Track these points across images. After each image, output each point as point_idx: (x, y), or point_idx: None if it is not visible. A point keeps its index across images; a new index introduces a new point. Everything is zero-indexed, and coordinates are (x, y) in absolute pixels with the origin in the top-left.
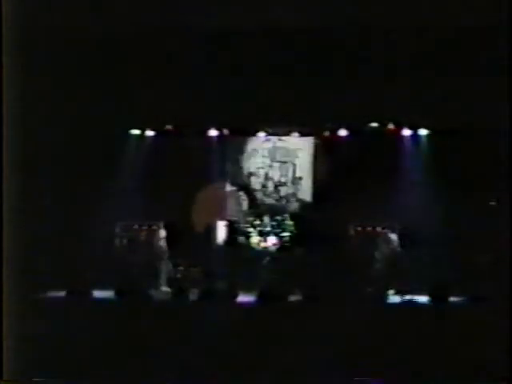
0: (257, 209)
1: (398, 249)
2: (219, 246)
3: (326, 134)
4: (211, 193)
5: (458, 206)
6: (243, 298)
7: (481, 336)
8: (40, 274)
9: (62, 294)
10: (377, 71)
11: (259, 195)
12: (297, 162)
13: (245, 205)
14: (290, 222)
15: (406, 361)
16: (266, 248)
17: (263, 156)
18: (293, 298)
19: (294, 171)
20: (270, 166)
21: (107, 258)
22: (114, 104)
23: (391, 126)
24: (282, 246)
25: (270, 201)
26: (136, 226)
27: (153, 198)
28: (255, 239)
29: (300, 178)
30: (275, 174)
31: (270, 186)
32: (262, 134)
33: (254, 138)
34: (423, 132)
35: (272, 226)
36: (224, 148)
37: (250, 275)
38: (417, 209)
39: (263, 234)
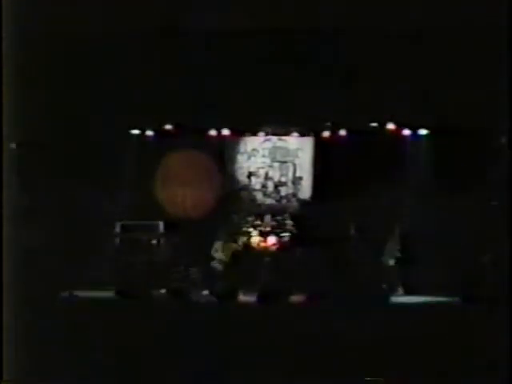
0: (257, 209)
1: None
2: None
3: (326, 133)
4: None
5: (458, 206)
6: (243, 297)
7: (481, 336)
8: (40, 274)
9: (62, 294)
10: (377, 71)
11: (259, 195)
12: (297, 161)
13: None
14: (290, 222)
15: (406, 361)
16: (266, 248)
17: (263, 156)
18: (293, 298)
19: (294, 171)
20: (270, 166)
21: (107, 257)
22: (114, 104)
23: (391, 126)
24: (282, 246)
25: (269, 201)
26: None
27: (153, 198)
28: (255, 239)
29: (300, 178)
30: (275, 174)
31: (270, 186)
32: (261, 134)
33: (253, 137)
34: (423, 132)
35: (272, 226)
36: (224, 148)
37: (250, 275)
38: (417, 209)
39: (263, 234)
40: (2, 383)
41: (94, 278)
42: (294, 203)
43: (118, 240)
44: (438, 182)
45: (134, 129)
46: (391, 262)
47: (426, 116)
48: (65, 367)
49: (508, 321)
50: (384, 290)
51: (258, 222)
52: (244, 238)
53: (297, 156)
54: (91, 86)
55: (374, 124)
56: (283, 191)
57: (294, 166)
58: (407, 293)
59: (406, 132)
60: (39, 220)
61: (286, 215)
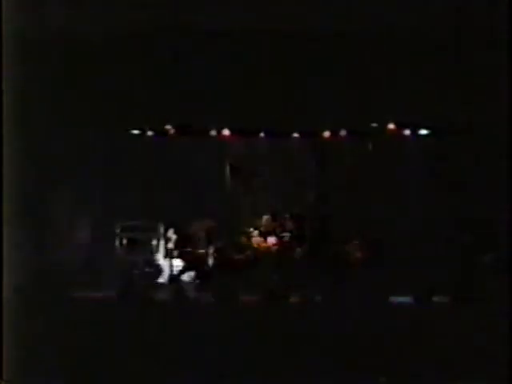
0: (257, 208)
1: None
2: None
3: (326, 133)
4: None
5: (458, 206)
6: (243, 298)
7: (480, 336)
8: (40, 275)
9: (62, 294)
10: (377, 71)
11: (259, 195)
12: (297, 162)
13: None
14: (289, 222)
15: (406, 361)
16: (266, 248)
17: (263, 156)
18: (293, 298)
19: (295, 171)
20: (271, 166)
21: (107, 258)
22: (114, 104)
23: (391, 126)
24: (282, 246)
25: (270, 201)
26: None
27: (153, 198)
28: (255, 239)
29: (300, 178)
30: (276, 174)
31: (271, 186)
32: (262, 134)
33: (254, 138)
34: (423, 132)
35: (272, 226)
36: (224, 148)
37: (250, 275)
38: (417, 208)
39: (263, 234)
40: (1, 383)
41: (94, 278)
42: (295, 203)
43: (118, 240)
44: (438, 182)
45: (134, 129)
46: None
47: (426, 116)
48: (65, 367)
49: (508, 321)
50: (385, 290)
51: (258, 222)
52: (243, 239)
53: (297, 156)
54: (91, 86)
55: (374, 124)
56: (284, 191)
57: (295, 166)
58: (406, 293)
59: (406, 132)
60: (39, 220)
61: (286, 215)
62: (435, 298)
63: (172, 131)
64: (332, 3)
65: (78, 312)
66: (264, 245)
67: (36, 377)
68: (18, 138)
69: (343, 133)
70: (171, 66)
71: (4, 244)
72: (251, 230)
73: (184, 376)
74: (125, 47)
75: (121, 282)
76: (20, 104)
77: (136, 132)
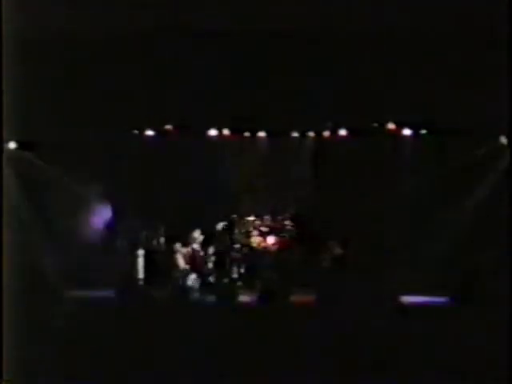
0: (257, 208)
1: None
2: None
3: (326, 133)
4: None
5: (458, 206)
6: (243, 297)
7: (480, 336)
8: (40, 275)
9: (63, 294)
10: (377, 71)
11: (259, 195)
12: (297, 162)
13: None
14: (290, 222)
15: (406, 361)
16: (266, 248)
17: (263, 156)
18: (293, 298)
19: (294, 171)
20: (271, 166)
21: (107, 258)
22: (114, 104)
23: (391, 126)
24: (282, 246)
25: (270, 201)
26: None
27: (153, 198)
28: (255, 239)
29: (300, 178)
30: (275, 174)
31: (271, 185)
32: (262, 134)
33: (254, 137)
34: (423, 132)
35: (272, 226)
36: (224, 148)
37: (250, 275)
38: (416, 208)
39: (263, 234)
40: (2, 383)
41: (95, 278)
42: (294, 203)
43: (118, 240)
44: (438, 182)
45: (134, 129)
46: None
47: (426, 116)
48: (65, 367)
49: (508, 321)
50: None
51: (258, 222)
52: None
53: (297, 156)
54: (91, 86)
55: (374, 124)
56: (283, 191)
57: (294, 166)
58: (407, 293)
59: (406, 132)
60: (39, 220)
61: (286, 215)
62: (435, 299)
63: (172, 131)
64: (332, 3)
65: (78, 311)
66: (264, 244)
67: (36, 377)
68: (18, 137)
69: (343, 133)
70: (171, 65)
71: (4, 244)
72: (251, 229)
73: (183, 376)
74: (125, 47)
75: (120, 281)
76: (20, 104)
77: (136, 132)
